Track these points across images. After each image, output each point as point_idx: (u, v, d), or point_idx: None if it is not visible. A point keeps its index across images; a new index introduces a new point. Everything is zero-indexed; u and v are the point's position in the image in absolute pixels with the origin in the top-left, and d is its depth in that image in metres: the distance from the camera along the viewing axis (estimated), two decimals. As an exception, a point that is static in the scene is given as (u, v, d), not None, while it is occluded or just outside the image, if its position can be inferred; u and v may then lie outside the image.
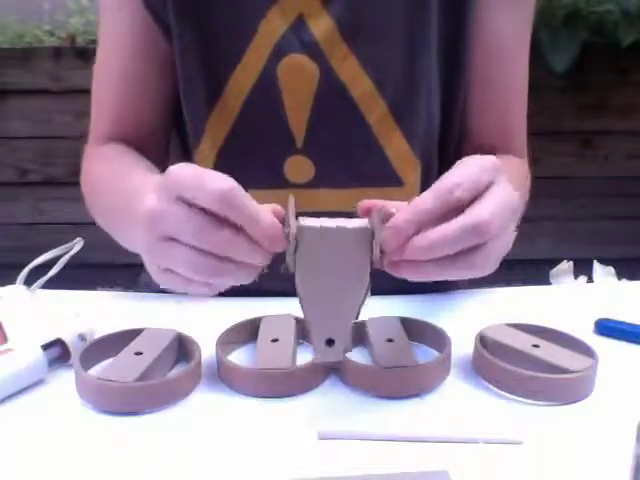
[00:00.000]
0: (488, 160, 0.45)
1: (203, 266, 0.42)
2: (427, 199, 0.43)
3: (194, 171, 0.42)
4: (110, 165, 0.67)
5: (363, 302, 0.45)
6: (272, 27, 0.64)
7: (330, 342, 0.45)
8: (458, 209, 0.43)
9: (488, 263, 0.44)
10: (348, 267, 0.44)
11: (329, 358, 0.45)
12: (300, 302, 0.45)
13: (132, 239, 0.51)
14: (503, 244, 0.45)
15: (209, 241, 0.41)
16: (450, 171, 0.44)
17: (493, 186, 0.44)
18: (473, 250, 0.43)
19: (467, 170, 0.44)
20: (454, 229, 0.42)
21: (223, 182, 0.41)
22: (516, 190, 0.46)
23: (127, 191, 0.54)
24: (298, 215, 0.45)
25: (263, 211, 0.42)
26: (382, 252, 0.44)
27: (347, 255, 0.44)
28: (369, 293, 0.45)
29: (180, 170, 0.43)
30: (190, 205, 0.42)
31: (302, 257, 0.43)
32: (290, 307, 0.53)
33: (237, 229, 0.42)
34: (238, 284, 0.45)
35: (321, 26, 0.64)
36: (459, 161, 0.46)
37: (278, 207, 0.45)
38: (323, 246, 0.43)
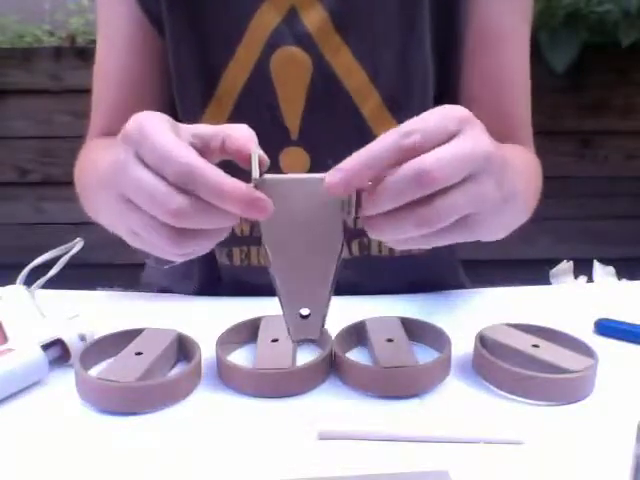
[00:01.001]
0: (456, 109, 0.41)
1: (161, 233, 0.40)
2: (378, 144, 0.38)
3: (158, 136, 0.39)
4: (93, 154, 0.66)
5: (338, 267, 0.40)
6: (265, 20, 0.64)
7: (305, 315, 0.41)
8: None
9: (440, 218, 0.39)
10: (320, 225, 0.39)
11: (304, 334, 0.41)
12: (269, 270, 0.40)
13: (100, 203, 0.46)
14: (473, 200, 0.40)
15: (161, 211, 0.38)
16: (413, 118, 0.40)
17: (457, 136, 0.39)
18: (422, 203, 0.38)
19: (429, 117, 0.40)
20: (395, 178, 0.38)
21: (183, 157, 0.38)
22: (522, 178, 0.42)
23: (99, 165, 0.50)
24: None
25: (231, 181, 0.38)
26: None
27: (318, 211, 0.38)
28: (343, 254, 0.40)
29: (147, 125, 0.39)
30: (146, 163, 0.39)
31: (268, 217, 0.37)
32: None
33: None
34: (207, 250, 0.42)
35: (314, 17, 0.64)
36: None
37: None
38: (291, 202, 0.38)
